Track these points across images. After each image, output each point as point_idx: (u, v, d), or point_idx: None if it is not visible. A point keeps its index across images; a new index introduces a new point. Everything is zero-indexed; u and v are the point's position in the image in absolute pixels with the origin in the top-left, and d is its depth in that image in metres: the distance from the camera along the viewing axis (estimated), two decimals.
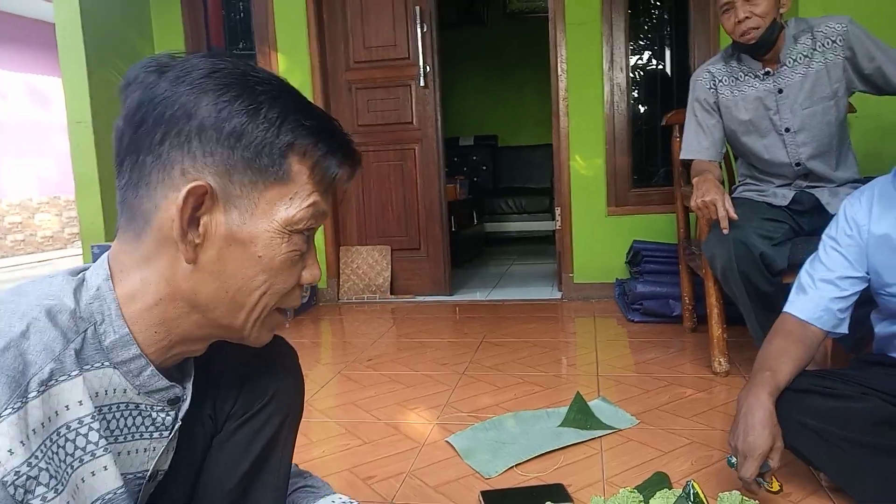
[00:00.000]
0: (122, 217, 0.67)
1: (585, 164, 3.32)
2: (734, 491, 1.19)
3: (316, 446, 1.69)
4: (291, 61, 3.49)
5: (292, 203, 0.66)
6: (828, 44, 1.93)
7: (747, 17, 1.88)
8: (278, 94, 0.66)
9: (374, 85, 3.50)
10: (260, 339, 0.72)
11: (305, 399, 0.95)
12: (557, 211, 3.39)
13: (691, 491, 0.96)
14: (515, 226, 5.81)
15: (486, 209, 5.73)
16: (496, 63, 6.33)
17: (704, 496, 0.97)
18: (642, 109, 3.44)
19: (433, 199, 3.53)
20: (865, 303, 1.40)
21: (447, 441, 1.65)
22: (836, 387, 1.29)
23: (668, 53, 3.43)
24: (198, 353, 0.74)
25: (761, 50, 1.95)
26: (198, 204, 0.63)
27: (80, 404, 0.61)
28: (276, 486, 0.87)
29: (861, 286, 1.36)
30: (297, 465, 1.10)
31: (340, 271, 3.60)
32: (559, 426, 1.70)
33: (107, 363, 0.64)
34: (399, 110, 3.49)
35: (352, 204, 3.60)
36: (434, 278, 3.56)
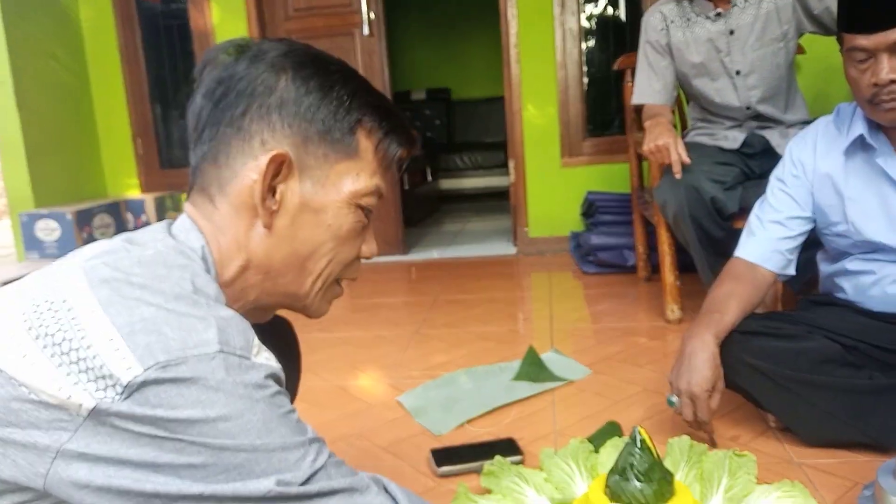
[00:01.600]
0: (195, 185, 0.72)
1: (538, 113, 3.25)
2: (683, 436, 1.18)
3: None
4: (227, 11, 3.31)
5: (359, 178, 0.72)
6: None
7: None
8: (349, 75, 0.72)
9: (316, 34, 3.33)
10: (321, 309, 0.78)
11: None
12: (511, 164, 3.33)
13: (638, 437, 0.94)
14: (471, 182, 5.72)
15: (441, 166, 5.63)
16: (446, 12, 6.14)
17: (651, 441, 0.95)
18: (595, 56, 3.37)
19: None
20: (812, 245, 1.42)
21: (397, 400, 1.61)
22: (782, 327, 1.29)
23: None
24: (263, 320, 0.77)
25: None
26: (276, 172, 0.68)
27: None
28: None
29: (808, 226, 1.37)
30: None
31: None
32: (512, 380, 1.67)
33: None
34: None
35: None
36: (387, 238, 3.48)
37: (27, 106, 2.95)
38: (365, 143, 0.72)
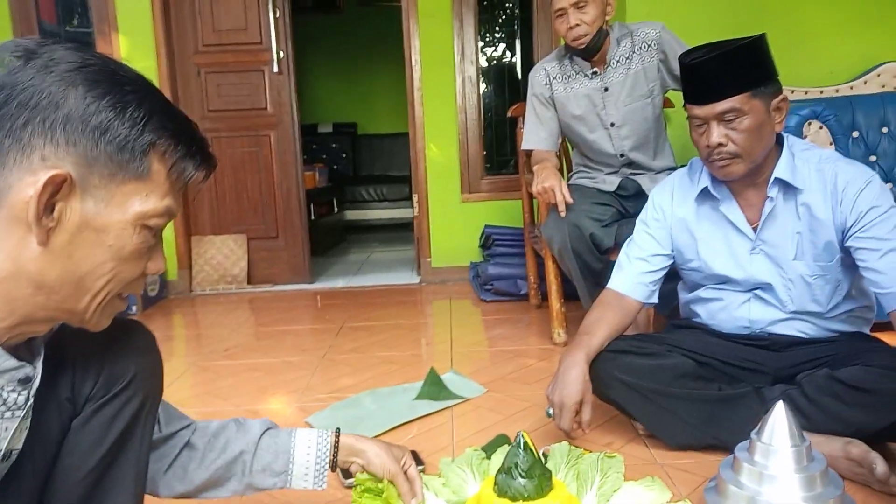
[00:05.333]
0: None
1: (440, 152, 3.45)
2: (563, 442, 1.35)
3: None
4: (135, 43, 3.29)
5: (147, 200, 0.70)
6: (644, 47, 2.17)
7: (578, 25, 2.07)
8: (145, 95, 0.70)
9: (226, 69, 3.39)
10: (100, 324, 0.75)
11: None
12: (415, 198, 3.50)
13: (521, 440, 1.09)
14: (376, 213, 5.86)
15: (347, 197, 5.73)
16: (354, 50, 6.31)
17: (533, 444, 1.10)
18: (492, 101, 3.64)
19: (290, 187, 3.50)
20: (675, 277, 1.64)
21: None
22: (646, 346, 1.50)
23: (516, 48, 3.64)
24: (40, 333, 0.75)
25: (590, 53, 2.16)
26: (55, 191, 0.65)
27: None
28: (135, 468, 0.87)
29: (667, 262, 1.58)
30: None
31: (193, 262, 3.48)
32: (414, 399, 1.80)
33: None
34: (252, 96, 3.42)
35: (204, 192, 3.48)
36: (293, 266, 3.55)
37: None
38: (157, 165, 0.71)
